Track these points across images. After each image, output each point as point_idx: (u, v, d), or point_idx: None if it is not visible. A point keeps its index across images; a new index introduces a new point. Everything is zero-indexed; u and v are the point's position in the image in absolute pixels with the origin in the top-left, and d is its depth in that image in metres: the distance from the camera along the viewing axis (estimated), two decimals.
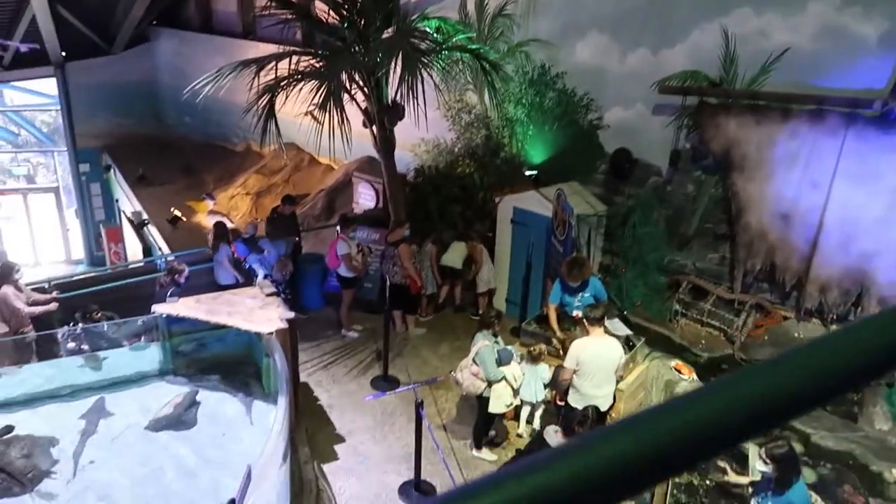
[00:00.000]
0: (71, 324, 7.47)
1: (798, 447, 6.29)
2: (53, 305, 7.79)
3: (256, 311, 7.07)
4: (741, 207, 8.03)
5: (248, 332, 6.87)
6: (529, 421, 7.29)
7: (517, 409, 7.22)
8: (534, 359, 6.91)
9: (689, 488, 5.28)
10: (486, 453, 6.94)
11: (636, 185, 9.55)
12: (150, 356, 7.21)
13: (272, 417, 5.89)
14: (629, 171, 9.58)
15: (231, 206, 14.67)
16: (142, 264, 12.92)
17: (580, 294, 7.32)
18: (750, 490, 5.02)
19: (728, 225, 8.34)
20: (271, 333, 6.62)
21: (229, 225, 11.62)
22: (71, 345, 7.24)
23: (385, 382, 8.18)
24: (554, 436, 4.71)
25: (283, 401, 5.73)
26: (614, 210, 9.35)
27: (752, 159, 7.89)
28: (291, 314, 6.95)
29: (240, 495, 3.38)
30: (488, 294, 9.72)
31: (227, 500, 3.24)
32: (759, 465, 4.72)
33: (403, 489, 6.44)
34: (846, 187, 7.04)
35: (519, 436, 7.25)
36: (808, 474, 5.92)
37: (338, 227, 9.49)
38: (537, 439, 4.82)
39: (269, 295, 7.42)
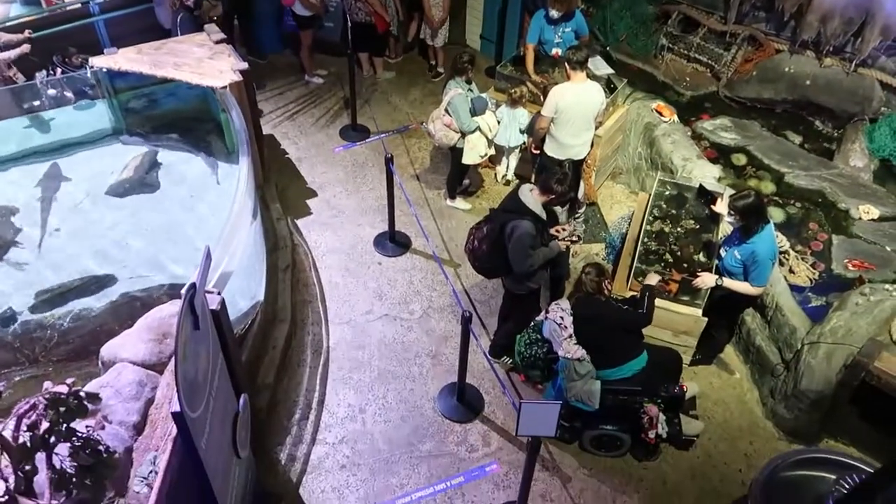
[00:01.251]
0: (49, 69, 6.73)
1: (771, 187, 6.32)
2: (26, 47, 6.81)
3: (206, 62, 6.43)
4: None
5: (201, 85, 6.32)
6: (508, 168, 7.16)
7: (492, 157, 7.04)
8: (514, 102, 6.53)
9: (659, 235, 5.33)
10: (460, 202, 6.91)
11: None
12: (99, 115, 6.71)
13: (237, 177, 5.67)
14: None
15: None
16: (79, 6, 11.49)
17: (560, 28, 6.71)
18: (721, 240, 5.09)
19: None
20: (225, 87, 6.09)
21: None
22: (51, 92, 6.59)
23: (354, 132, 7.84)
24: (529, 194, 4.55)
25: (244, 161, 5.42)
26: None
27: None
28: (245, 64, 6.33)
29: (200, 278, 3.26)
30: (444, 51, 8.75)
31: (187, 285, 3.12)
32: (727, 218, 4.70)
33: (378, 240, 6.51)
34: None
35: (507, 183, 7.14)
36: (777, 214, 6.00)
37: None
38: (512, 197, 4.66)
39: (218, 42, 6.70)
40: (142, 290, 5.38)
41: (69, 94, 6.64)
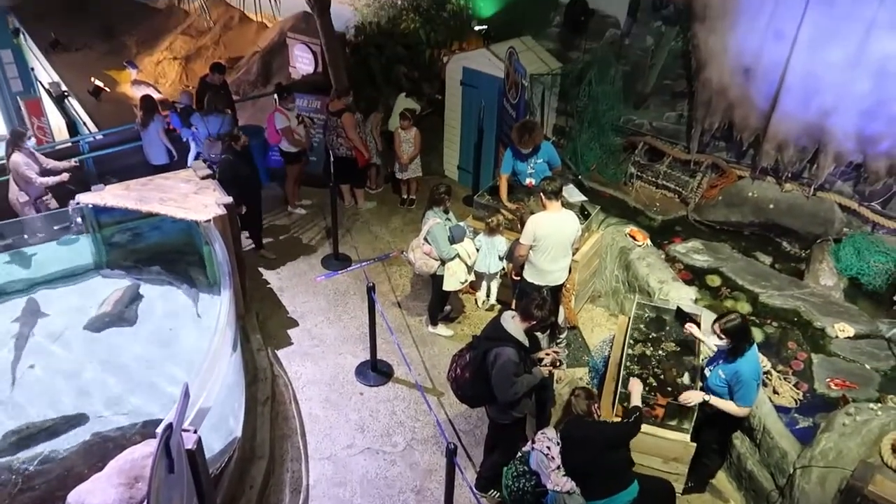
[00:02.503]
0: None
1: (747, 307, 6.42)
2: (66, 176, 7.25)
3: (191, 197, 6.61)
4: (701, 62, 7.61)
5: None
6: (489, 294, 7.24)
7: (472, 283, 7.15)
8: (491, 230, 6.73)
9: (641, 359, 5.33)
10: (441, 329, 6.92)
11: (592, 38, 8.97)
12: (82, 249, 6.76)
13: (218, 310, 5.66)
14: (585, 23, 8.94)
15: (158, 72, 13.50)
16: (69, 144, 11.93)
17: (532, 160, 7.03)
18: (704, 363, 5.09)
19: (687, 81, 7.96)
20: (209, 221, 6.22)
21: (157, 96, 10.73)
22: (79, 220, 6.70)
23: (336, 261, 7.95)
24: (511, 321, 4.58)
25: (226, 294, 5.43)
26: (569, 68, 8.83)
27: (715, 7, 7.37)
28: (229, 199, 6.51)
29: (177, 418, 3.18)
30: (416, 181, 9.16)
31: (163, 425, 3.03)
32: (714, 341, 4.73)
33: (360, 370, 6.42)
34: (812, 37, 6.66)
35: (489, 309, 7.20)
36: (756, 334, 6.05)
37: (275, 98, 8.78)
38: (495, 324, 4.68)
39: (203, 178, 6.92)
40: (115, 429, 5.18)
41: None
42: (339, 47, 9.54)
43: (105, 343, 5.99)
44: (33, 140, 7.37)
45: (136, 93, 11.51)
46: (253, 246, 8.04)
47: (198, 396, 4.45)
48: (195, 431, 4.02)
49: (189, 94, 9.29)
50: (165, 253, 6.95)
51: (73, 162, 7.59)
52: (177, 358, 5.79)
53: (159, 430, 3.02)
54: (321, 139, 9.11)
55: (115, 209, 6.49)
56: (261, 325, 6.84)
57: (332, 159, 8.66)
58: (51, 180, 7.11)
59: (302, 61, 10.30)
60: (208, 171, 7.01)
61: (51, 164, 7.40)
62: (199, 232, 6.53)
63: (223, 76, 9.20)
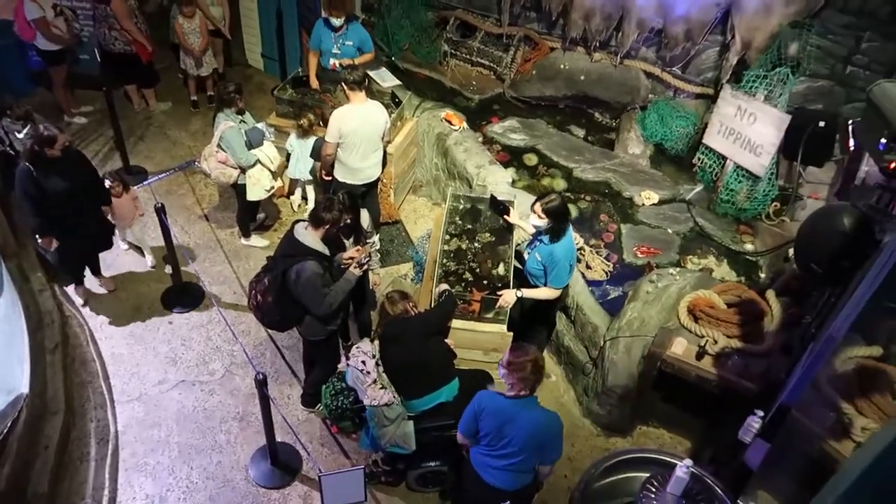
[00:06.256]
0: None
1: (562, 184, 6.48)
2: None
3: None
4: None
5: None
6: (305, 197, 6.77)
7: (290, 186, 6.64)
8: (304, 132, 6.16)
9: (457, 254, 5.20)
10: (255, 240, 6.42)
11: None
12: None
13: None
14: None
15: None
16: None
17: (341, 40, 6.45)
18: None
19: None
20: None
21: None
22: None
23: (129, 176, 6.99)
24: (305, 233, 4.21)
25: None
26: None
27: None
28: None
29: None
30: (212, 76, 8.16)
31: None
32: (534, 221, 4.61)
33: (166, 296, 5.85)
34: None
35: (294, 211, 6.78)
36: (571, 209, 6.13)
37: None
38: (289, 239, 4.28)
39: None
40: None
41: None
42: None
43: None
44: None
45: None
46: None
47: None
48: None
49: None
50: None
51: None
52: None
53: None
54: (91, 33, 7.76)
55: None
56: (42, 261, 5.96)
57: (103, 55, 7.39)
58: None
59: None
60: None
61: None
62: None
63: None
